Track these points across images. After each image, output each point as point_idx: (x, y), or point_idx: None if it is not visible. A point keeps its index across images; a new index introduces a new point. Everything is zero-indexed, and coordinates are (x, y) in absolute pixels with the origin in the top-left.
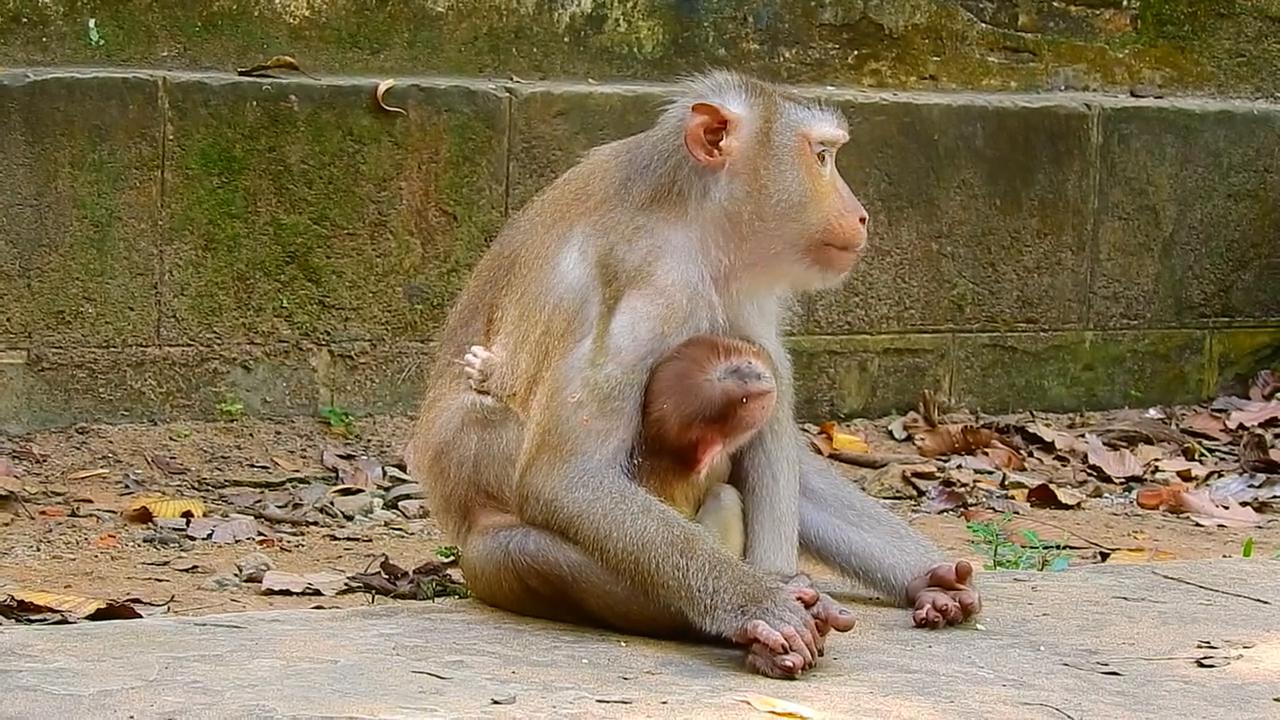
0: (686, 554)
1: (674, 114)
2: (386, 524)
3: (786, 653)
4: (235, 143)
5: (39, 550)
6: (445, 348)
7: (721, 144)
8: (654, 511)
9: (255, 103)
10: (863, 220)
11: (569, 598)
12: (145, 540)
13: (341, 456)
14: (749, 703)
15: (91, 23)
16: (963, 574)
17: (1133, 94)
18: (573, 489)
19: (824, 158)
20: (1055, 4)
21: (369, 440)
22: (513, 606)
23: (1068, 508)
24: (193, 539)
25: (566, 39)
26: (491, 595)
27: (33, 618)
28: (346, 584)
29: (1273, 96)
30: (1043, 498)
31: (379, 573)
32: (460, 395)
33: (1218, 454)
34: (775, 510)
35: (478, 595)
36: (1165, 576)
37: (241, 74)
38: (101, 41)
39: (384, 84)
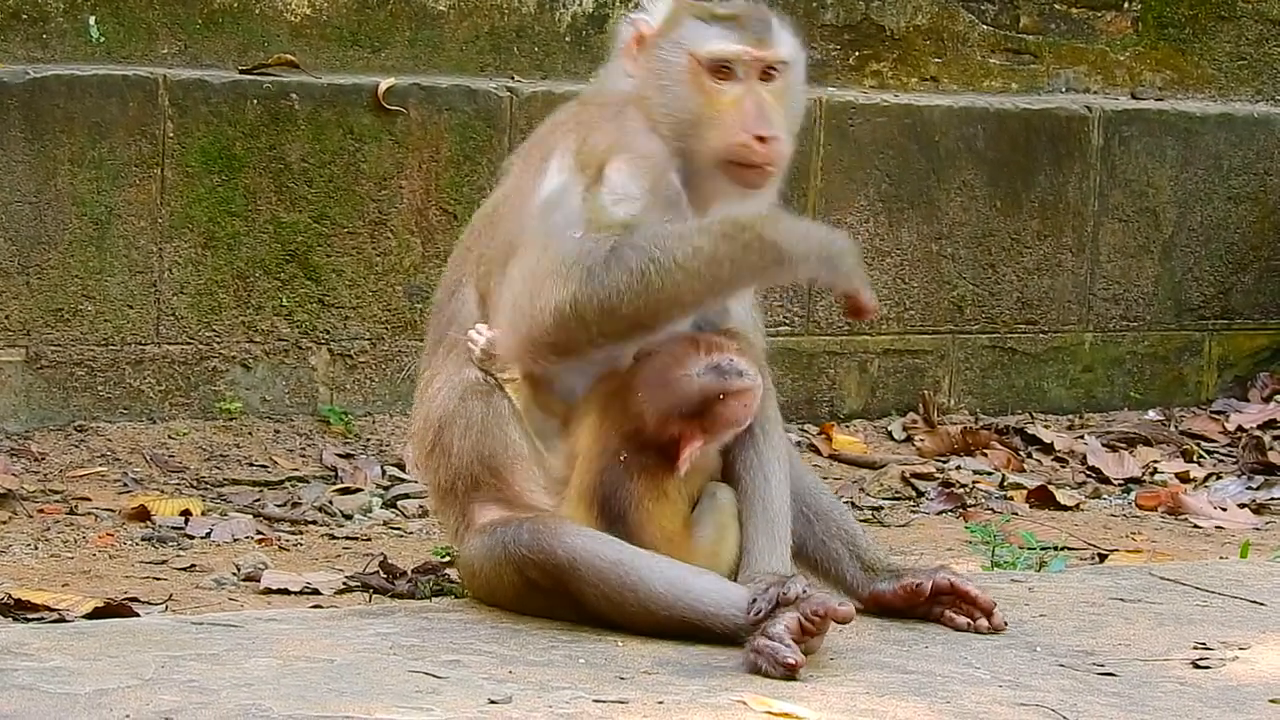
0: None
1: (621, 30)
2: (385, 523)
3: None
4: (235, 141)
5: (37, 548)
6: (435, 321)
7: (638, 58)
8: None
9: (256, 101)
10: (762, 139)
11: (568, 589)
12: (143, 539)
13: (340, 455)
14: (745, 702)
15: (92, 20)
16: None
17: (1133, 96)
18: (605, 278)
19: (728, 74)
20: (1057, 6)
21: (368, 439)
22: (511, 603)
23: (1066, 509)
24: (191, 538)
25: (568, 39)
26: (490, 592)
27: (30, 616)
28: (345, 583)
29: (1273, 99)
30: (1041, 499)
31: (377, 572)
32: (461, 371)
33: (1216, 456)
34: (769, 510)
35: (475, 593)
36: (1162, 578)
37: (242, 72)
38: (102, 38)
39: (385, 82)
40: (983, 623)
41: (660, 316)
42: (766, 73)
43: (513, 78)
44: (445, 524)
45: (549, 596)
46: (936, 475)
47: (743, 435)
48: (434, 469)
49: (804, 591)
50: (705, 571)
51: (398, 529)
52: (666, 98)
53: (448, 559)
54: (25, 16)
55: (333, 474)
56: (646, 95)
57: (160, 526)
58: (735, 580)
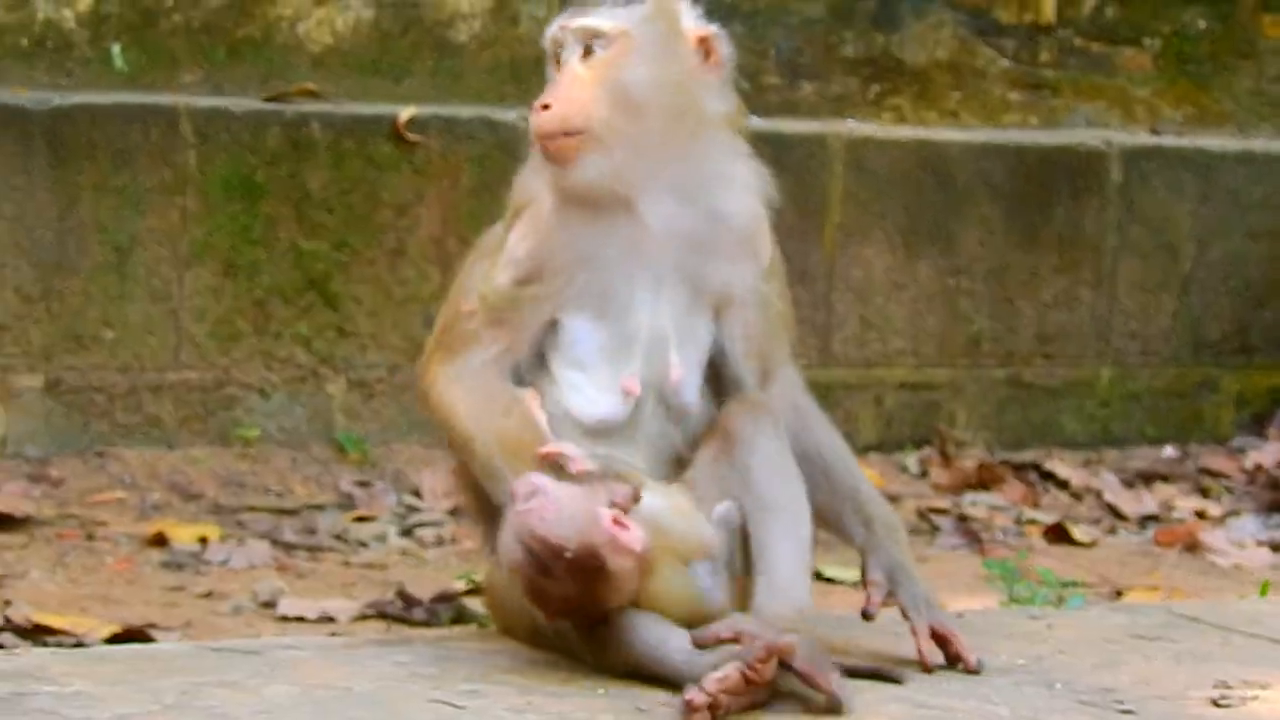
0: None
1: None
2: (401, 551)
3: None
4: (257, 169)
5: (55, 573)
6: None
7: None
8: (514, 414)
9: (277, 129)
10: (543, 106)
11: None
12: (161, 564)
13: (357, 483)
14: None
15: (116, 48)
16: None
17: (1153, 132)
18: (450, 384)
19: (559, 60)
20: (1076, 42)
21: (384, 467)
22: (529, 636)
23: (1083, 545)
24: (208, 564)
25: None
26: (508, 623)
27: (49, 640)
28: (362, 611)
29: None
30: (1058, 535)
31: (394, 600)
32: None
33: (1234, 493)
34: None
35: (496, 620)
36: (1181, 615)
37: (264, 101)
38: (125, 67)
39: (405, 112)
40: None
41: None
42: (586, 50)
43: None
44: (475, 543)
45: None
46: (951, 510)
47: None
48: (462, 488)
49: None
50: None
51: (414, 557)
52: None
53: (468, 587)
54: (50, 45)
55: (349, 501)
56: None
57: (178, 552)
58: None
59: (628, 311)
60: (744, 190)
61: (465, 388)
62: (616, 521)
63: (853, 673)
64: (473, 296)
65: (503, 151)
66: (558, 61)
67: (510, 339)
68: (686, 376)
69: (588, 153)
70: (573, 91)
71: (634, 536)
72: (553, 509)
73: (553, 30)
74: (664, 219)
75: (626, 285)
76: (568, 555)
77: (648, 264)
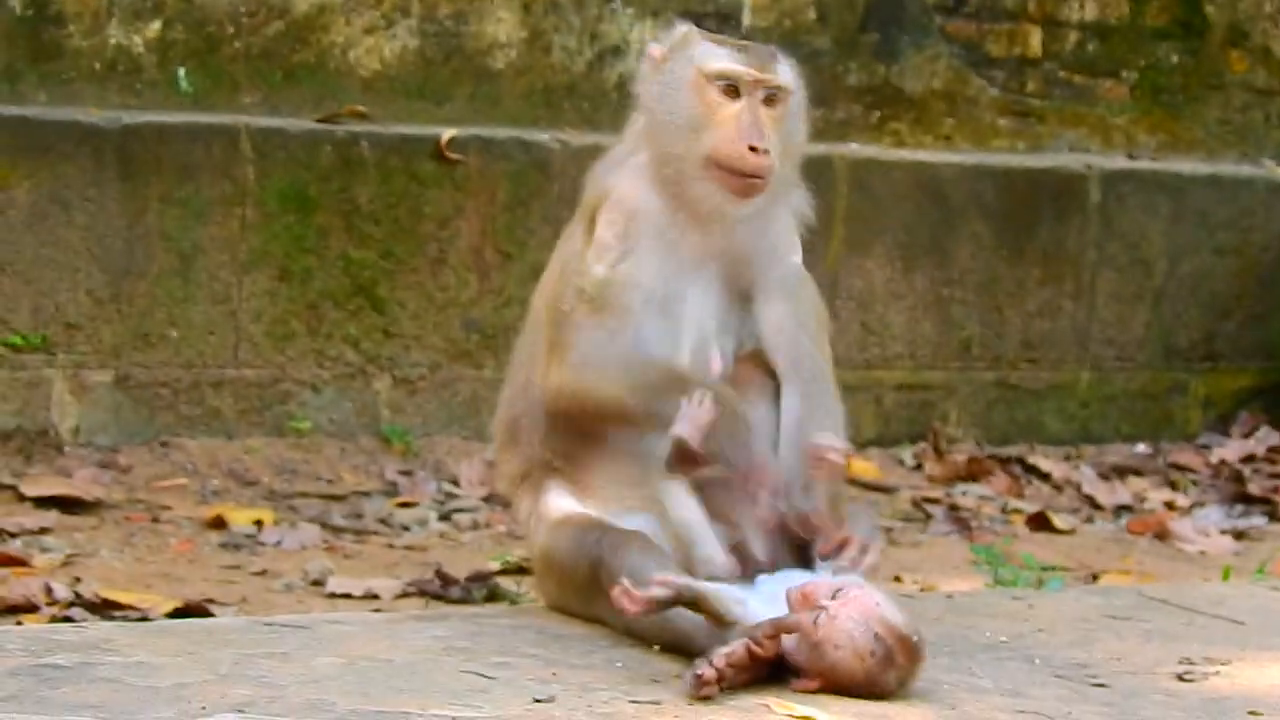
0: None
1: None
2: (440, 535)
3: None
4: (310, 184)
5: (122, 553)
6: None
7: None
8: (653, 369)
9: (329, 148)
10: (754, 149)
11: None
12: (220, 545)
13: (401, 472)
14: (768, 706)
15: (181, 71)
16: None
17: (1129, 157)
18: (579, 371)
19: (733, 93)
20: (1060, 74)
21: (426, 458)
22: (579, 600)
23: (1062, 532)
24: (263, 545)
25: (614, 95)
26: (559, 586)
27: (115, 615)
28: (403, 589)
29: (1257, 161)
30: (1039, 523)
31: (433, 579)
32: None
33: (1200, 486)
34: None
35: (544, 584)
36: (1150, 597)
37: (317, 121)
38: (190, 89)
39: (447, 133)
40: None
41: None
42: (769, 98)
43: (564, 130)
44: (517, 512)
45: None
46: (943, 500)
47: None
48: (508, 459)
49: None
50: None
51: (452, 540)
52: (666, 105)
53: (501, 568)
54: (121, 68)
55: (393, 489)
56: (649, 108)
57: (235, 534)
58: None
59: (680, 306)
60: (786, 210)
61: (594, 367)
62: None
63: None
64: (569, 295)
65: (536, 169)
66: (720, 91)
67: (616, 321)
68: (723, 368)
69: (761, 193)
70: (770, 141)
71: None
72: None
73: (728, 65)
74: (730, 234)
75: (680, 283)
76: None
77: (704, 266)
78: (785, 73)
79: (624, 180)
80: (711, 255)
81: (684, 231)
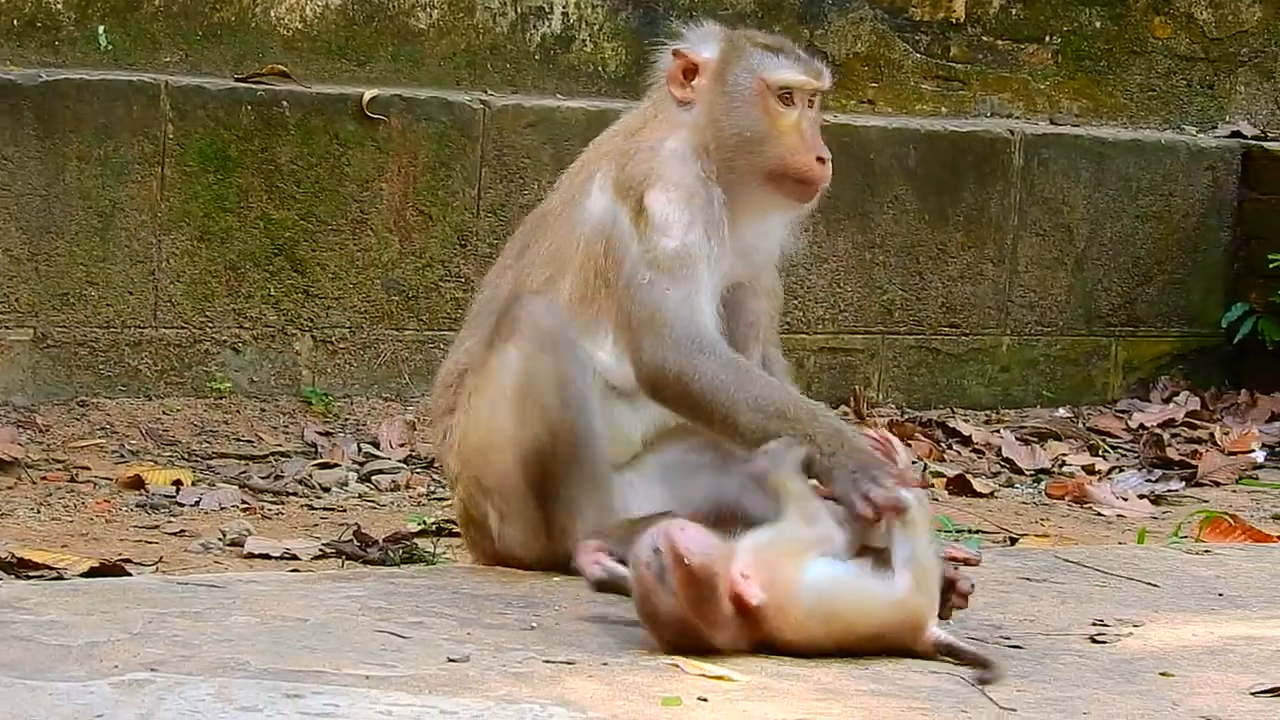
0: (811, 424)
1: (661, 61)
2: (360, 496)
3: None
4: (230, 143)
5: (39, 512)
6: (483, 306)
7: (693, 84)
8: (772, 382)
9: (250, 107)
10: (821, 160)
11: None
12: (138, 505)
13: (320, 433)
14: (679, 665)
15: (101, 29)
16: None
17: (1052, 122)
18: (693, 356)
19: (789, 100)
20: (984, 38)
21: (346, 419)
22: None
23: (982, 496)
24: (181, 505)
25: (537, 57)
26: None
27: (31, 574)
28: (321, 550)
29: (1179, 128)
30: (960, 486)
31: (351, 540)
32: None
33: (1119, 451)
34: None
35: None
36: (1066, 560)
37: (238, 80)
38: (110, 46)
39: (369, 93)
40: None
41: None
42: (811, 100)
43: (486, 91)
44: (517, 530)
45: None
46: None
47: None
48: (500, 454)
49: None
50: None
51: (371, 501)
52: (734, 118)
53: (419, 529)
54: (40, 25)
55: (313, 450)
56: (710, 117)
57: (153, 495)
58: None
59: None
60: None
61: (713, 361)
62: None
63: None
64: (642, 270)
65: (458, 130)
66: (778, 100)
67: (704, 291)
68: None
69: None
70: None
71: (753, 592)
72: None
73: (792, 77)
74: (756, 230)
75: (719, 266)
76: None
77: (725, 255)
78: (829, 77)
79: (673, 167)
80: (733, 246)
81: (722, 221)
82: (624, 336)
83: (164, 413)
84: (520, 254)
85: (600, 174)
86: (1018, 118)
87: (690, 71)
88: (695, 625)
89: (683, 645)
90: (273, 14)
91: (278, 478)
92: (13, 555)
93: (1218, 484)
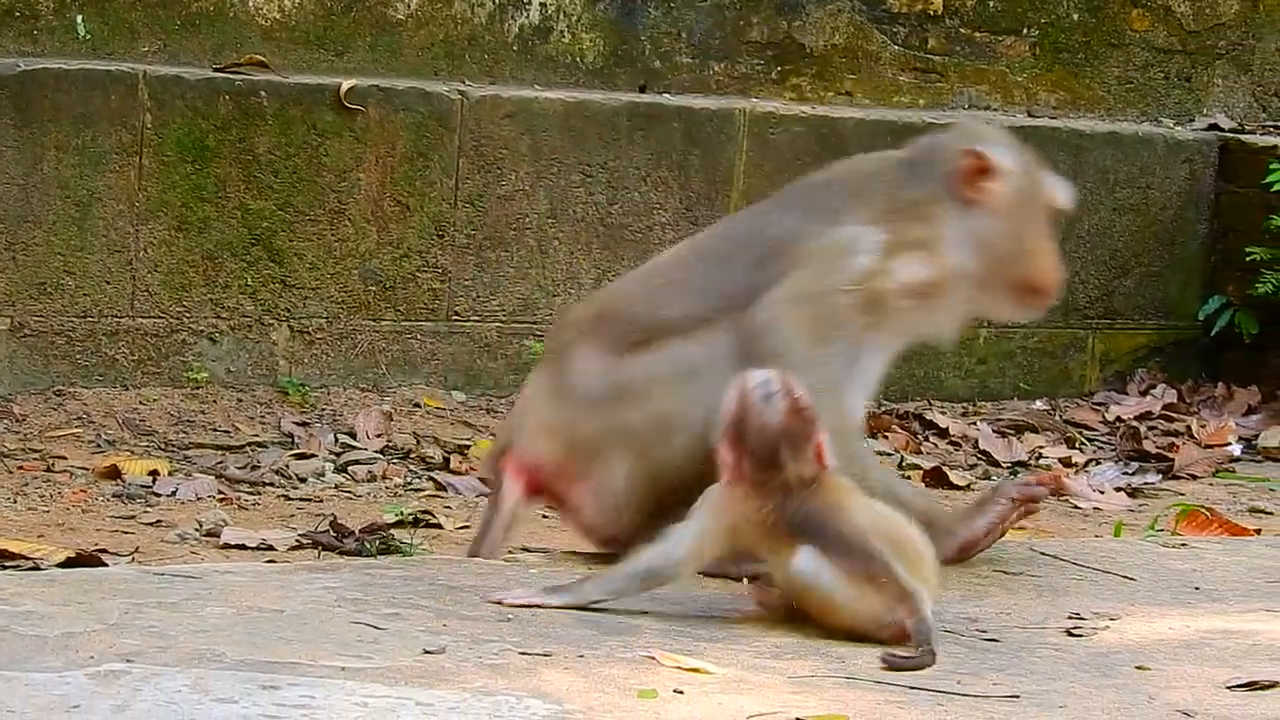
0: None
1: (941, 148)
2: (336, 487)
3: None
4: (208, 133)
5: (15, 502)
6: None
7: (983, 186)
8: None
9: (228, 97)
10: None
11: None
12: (114, 495)
13: (297, 424)
14: (654, 658)
15: (79, 18)
16: None
17: (1029, 114)
18: (808, 371)
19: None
20: (962, 31)
21: (323, 410)
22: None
23: (958, 488)
24: (158, 495)
25: (515, 48)
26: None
27: (7, 565)
28: (297, 541)
29: (1156, 120)
30: (936, 478)
31: (327, 531)
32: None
33: (1096, 443)
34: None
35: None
36: (1042, 553)
37: (216, 70)
38: (88, 35)
39: (346, 83)
40: None
41: None
42: None
43: (464, 82)
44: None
45: None
46: None
47: None
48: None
49: None
50: None
51: (348, 492)
52: (1021, 229)
53: (395, 520)
54: (18, 14)
55: (289, 440)
56: (994, 222)
57: (130, 484)
58: None
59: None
60: None
61: (825, 397)
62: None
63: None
64: (853, 278)
65: (436, 121)
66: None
67: (853, 353)
68: None
69: None
70: None
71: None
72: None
73: (1066, 201)
74: None
75: None
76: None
77: None
78: None
79: (947, 248)
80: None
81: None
82: (787, 284)
83: (141, 402)
84: (757, 266)
85: (866, 229)
86: (995, 110)
87: (982, 173)
88: (781, 452)
89: (753, 475)
90: (251, 4)
91: (254, 468)
92: None
93: (1194, 477)
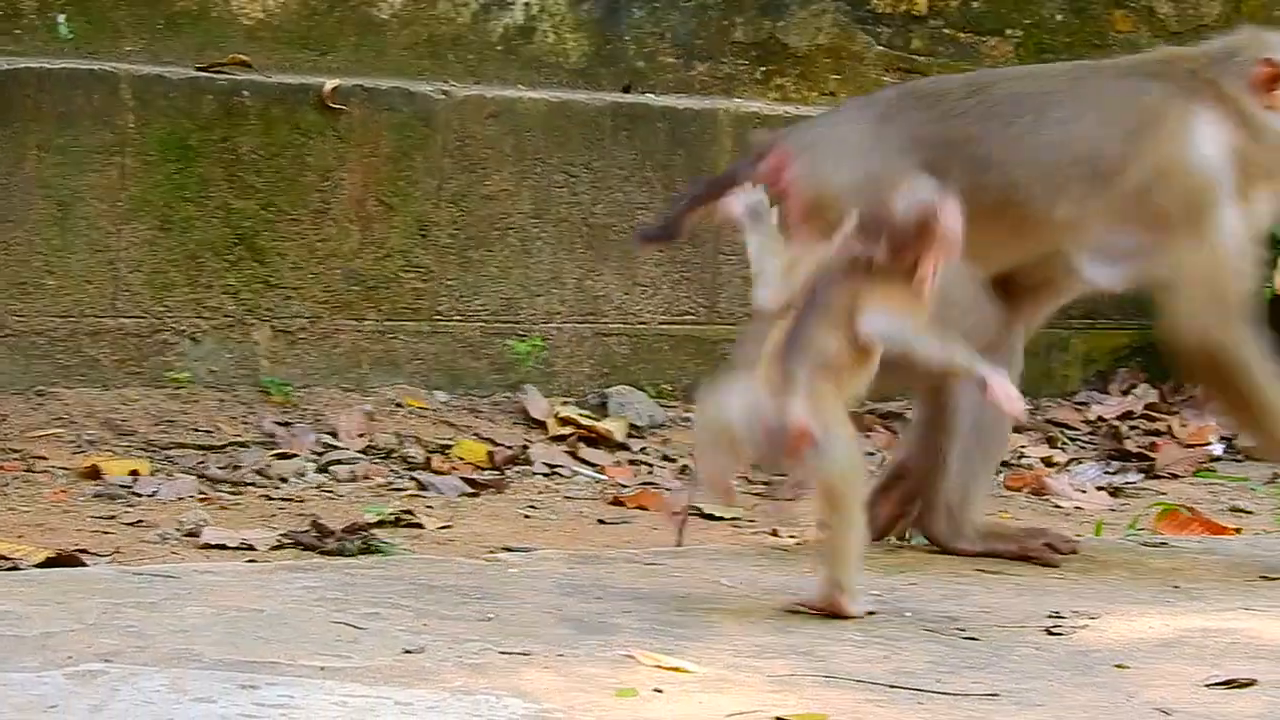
0: None
1: (1237, 50)
2: (318, 487)
3: None
4: (191, 133)
5: None
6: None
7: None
8: None
9: (211, 96)
10: None
11: None
12: (95, 495)
13: (279, 424)
14: (634, 657)
15: (61, 17)
16: None
17: None
18: (1241, 346)
19: None
20: (946, 31)
21: (305, 409)
22: None
23: None
24: (139, 495)
25: (499, 48)
26: None
27: None
28: (279, 541)
29: None
30: None
31: (309, 531)
32: None
33: (1078, 442)
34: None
35: None
36: None
37: (199, 70)
38: (70, 35)
39: (330, 83)
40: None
41: None
42: None
43: (448, 82)
44: None
45: None
46: None
47: None
48: None
49: None
50: None
51: (329, 492)
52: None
53: (376, 520)
54: (0, 14)
55: (271, 440)
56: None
57: (110, 484)
58: None
59: None
60: None
61: (1258, 358)
62: None
63: None
64: (1244, 259)
65: (420, 120)
66: None
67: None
68: None
69: None
70: None
71: None
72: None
73: None
74: None
75: None
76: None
77: None
78: None
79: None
80: None
81: None
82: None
83: (122, 402)
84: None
85: (1208, 121)
86: None
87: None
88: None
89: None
90: (234, 3)
91: (235, 468)
92: None
93: (1175, 476)
